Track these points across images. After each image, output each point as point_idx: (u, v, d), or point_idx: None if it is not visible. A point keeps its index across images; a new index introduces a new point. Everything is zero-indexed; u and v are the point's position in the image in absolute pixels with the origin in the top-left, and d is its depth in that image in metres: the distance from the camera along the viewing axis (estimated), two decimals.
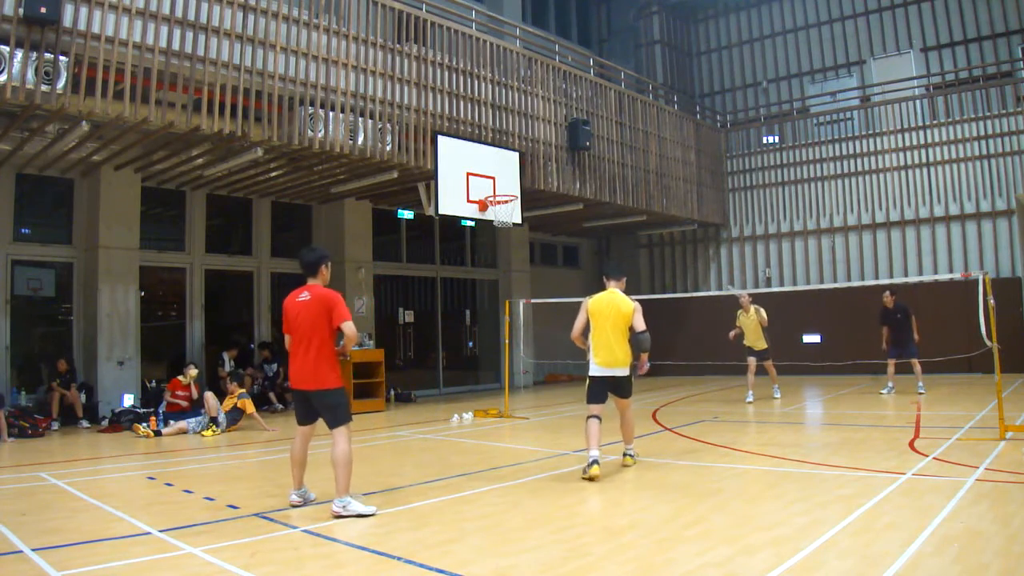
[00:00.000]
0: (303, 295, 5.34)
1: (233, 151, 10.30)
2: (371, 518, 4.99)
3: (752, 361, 12.03)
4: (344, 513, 5.01)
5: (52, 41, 7.70)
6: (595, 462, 6.19)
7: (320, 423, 5.43)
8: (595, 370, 6.52)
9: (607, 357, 6.44)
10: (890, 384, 12.27)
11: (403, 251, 16.05)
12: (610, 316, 6.45)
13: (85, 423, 10.62)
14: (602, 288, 6.75)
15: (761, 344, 11.98)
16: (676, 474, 6.40)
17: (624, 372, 6.51)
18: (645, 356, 6.55)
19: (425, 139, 11.26)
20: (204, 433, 9.73)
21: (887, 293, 12.32)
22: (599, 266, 21.42)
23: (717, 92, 21.78)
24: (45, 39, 7.64)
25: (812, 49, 20.23)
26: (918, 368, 11.95)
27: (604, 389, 6.55)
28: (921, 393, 11.66)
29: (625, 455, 6.81)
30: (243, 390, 10.49)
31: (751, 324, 11.92)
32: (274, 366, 13.08)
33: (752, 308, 11.89)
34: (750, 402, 11.75)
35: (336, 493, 5.10)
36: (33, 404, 10.58)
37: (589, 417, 6.42)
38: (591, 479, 6.08)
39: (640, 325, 6.45)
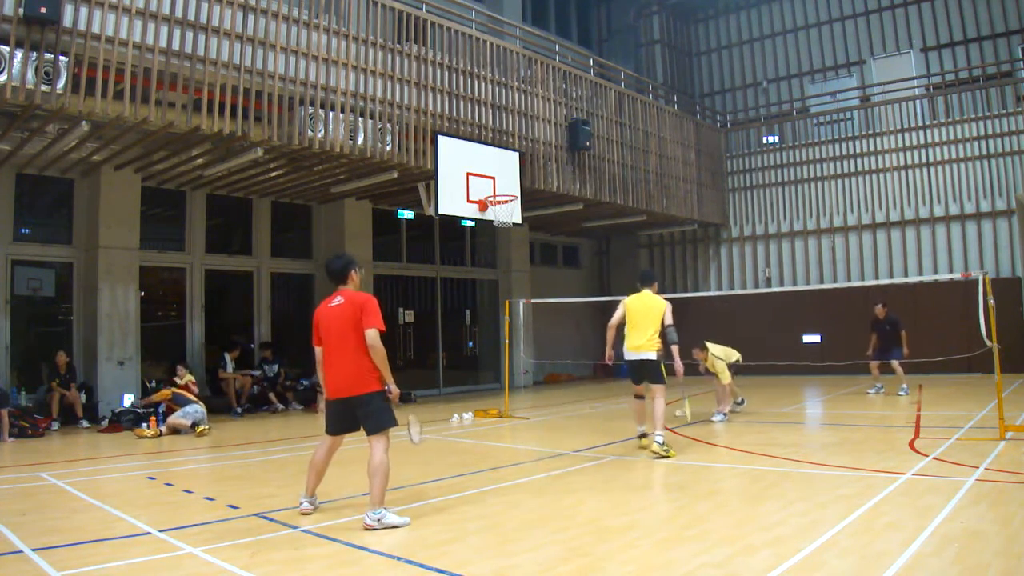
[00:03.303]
0: (336, 300, 5.09)
1: (233, 151, 10.30)
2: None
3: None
4: (377, 527, 4.65)
5: (52, 41, 7.70)
6: (642, 435, 7.69)
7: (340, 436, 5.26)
8: (626, 355, 7.60)
9: (635, 342, 7.49)
10: (878, 384, 12.36)
11: (403, 251, 16.04)
12: (643, 311, 7.57)
13: (85, 423, 10.61)
14: (633, 291, 7.97)
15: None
16: (676, 474, 6.40)
17: (650, 356, 7.42)
18: (675, 349, 7.37)
19: (425, 139, 11.26)
20: (198, 430, 9.65)
21: (879, 305, 12.44)
22: (599, 266, 21.46)
23: (717, 92, 21.77)
24: (45, 39, 7.64)
25: (812, 49, 20.22)
26: (899, 370, 12.01)
27: (636, 371, 7.63)
28: (901, 395, 11.71)
29: (653, 442, 7.15)
30: (180, 378, 10.40)
31: None
32: (275, 366, 13.07)
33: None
34: (739, 404, 11.61)
35: (369, 504, 4.76)
36: (33, 404, 10.57)
37: (633, 396, 7.94)
38: (643, 448, 7.47)
39: (669, 320, 7.50)
